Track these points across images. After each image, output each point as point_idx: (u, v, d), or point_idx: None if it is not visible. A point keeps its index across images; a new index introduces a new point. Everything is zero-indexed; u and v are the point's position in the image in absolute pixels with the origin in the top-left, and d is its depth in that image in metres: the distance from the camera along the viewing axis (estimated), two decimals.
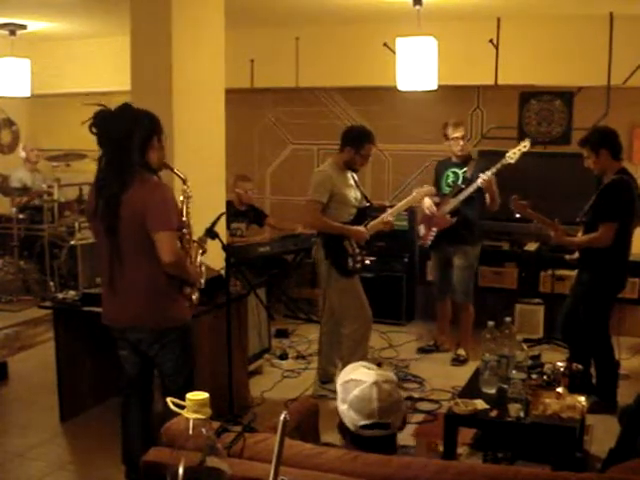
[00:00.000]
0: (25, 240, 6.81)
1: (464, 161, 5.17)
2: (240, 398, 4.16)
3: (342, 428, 1.99)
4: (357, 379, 1.96)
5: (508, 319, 3.61)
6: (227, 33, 4.72)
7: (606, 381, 4.26)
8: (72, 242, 6.45)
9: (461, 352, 5.29)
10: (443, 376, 4.93)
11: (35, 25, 6.24)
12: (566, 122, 6.00)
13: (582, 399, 3.27)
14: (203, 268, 3.26)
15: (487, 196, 4.98)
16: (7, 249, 6.82)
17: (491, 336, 3.46)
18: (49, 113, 7.94)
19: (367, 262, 4.66)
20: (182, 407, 1.45)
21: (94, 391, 4.34)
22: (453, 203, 5.10)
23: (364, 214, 4.61)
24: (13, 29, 6.16)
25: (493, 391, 3.37)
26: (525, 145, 4.84)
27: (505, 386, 3.30)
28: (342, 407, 1.97)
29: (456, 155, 5.19)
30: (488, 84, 5.94)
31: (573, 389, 3.37)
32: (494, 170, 4.88)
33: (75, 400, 4.24)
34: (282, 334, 5.86)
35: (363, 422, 1.92)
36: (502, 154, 4.93)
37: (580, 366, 3.66)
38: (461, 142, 5.12)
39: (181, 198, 3.13)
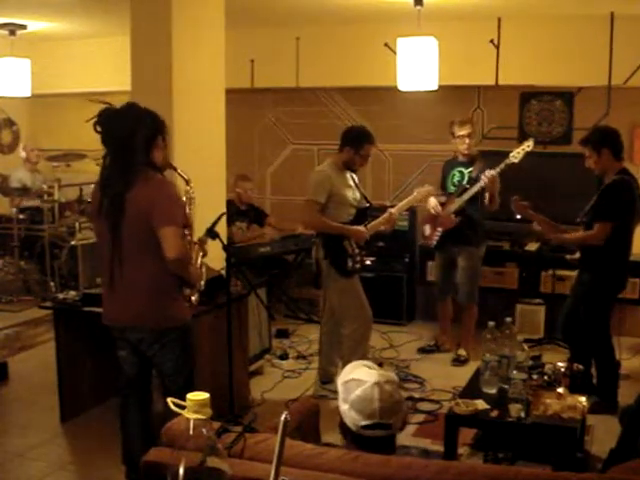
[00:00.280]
0: (25, 240, 6.80)
1: (470, 160, 5.15)
2: (241, 398, 4.16)
3: (343, 428, 1.99)
4: (359, 379, 1.96)
5: (509, 319, 3.61)
6: (227, 33, 4.71)
7: (607, 381, 4.26)
8: (72, 242, 6.46)
9: (462, 352, 5.29)
10: (444, 376, 4.93)
11: (35, 25, 6.24)
12: (567, 122, 6.00)
13: (583, 399, 3.27)
14: (203, 269, 3.25)
15: (487, 195, 4.97)
16: (7, 249, 6.82)
17: (492, 336, 3.46)
18: (49, 113, 7.95)
19: (367, 262, 4.66)
20: (182, 407, 1.45)
21: (94, 391, 4.34)
22: (458, 203, 5.09)
23: (364, 214, 4.61)
24: (13, 29, 6.16)
25: (494, 391, 3.37)
26: (529, 145, 4.82)
27: (506, 386, 3.30)
28: (343, 407, 1.97)
29: (462, 154, 5.18)
30: (489, 84, 5.93)
31: (574, 389, 3.37)
32: (498, 170, 4.86)
33: (75, 400, 4.24)
34: (282, 334, 5.86)
35: (364, 422, 1.92)
36: (502, 154, 4.92)
37: (581, 366, 3.66)
38: (467, 140, 5.09)
39: (184, 199, 3.14)
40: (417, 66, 4.98)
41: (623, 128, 4.65)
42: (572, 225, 4.39)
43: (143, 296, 3.03)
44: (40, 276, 6.73)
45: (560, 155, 5.89)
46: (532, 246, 5.79)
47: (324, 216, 4.45)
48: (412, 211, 6.03)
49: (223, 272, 3.94)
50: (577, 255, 4.42)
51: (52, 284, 6.51)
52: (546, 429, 3.10)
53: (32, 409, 4.36)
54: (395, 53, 5.17)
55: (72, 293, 4.20)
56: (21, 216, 6.75)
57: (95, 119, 2.97)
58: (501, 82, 5.86)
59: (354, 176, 4.62)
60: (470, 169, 5.11)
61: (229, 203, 5.30)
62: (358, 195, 4.61)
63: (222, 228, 4.01)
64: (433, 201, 5.16)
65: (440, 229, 5.20)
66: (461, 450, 3.56)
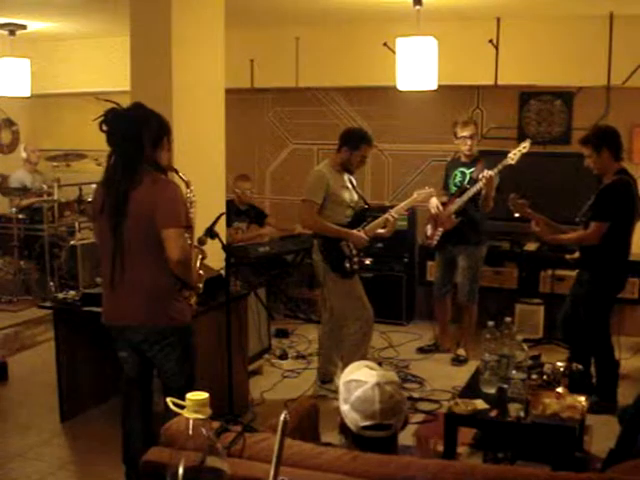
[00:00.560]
0: (25, 240, 6.81)
1: (472, 161, 5.15)
2: (240, 398, 4.17)
3: (344, 428, 1.99)
4: (359, 379, 1.96)
5: (508, 319, 3.62)
6: (227, 33, 4.72)
7: (606, 381, 4.26)
8: (72, 242, 6.45)
9: (461, 352, 5.29)
10: (443, 376, 4.93)
11: (35, 25, 6.24)
12: (566, 122, 6.00)
13: (582, 399, 3.27)
14: (201, 272, 3.25)
15: (483, 193, 4.97)
16: (7, 249, 6.82)
17: (491, 336, 3.46)
18: (49, 113, 7.95)
19: (366, 262, 4.66)
20: (182, 407, 1.45)
21: (94, 391, 4.35)
22: (458, 203, 5.10)
23: (362, 216, 4.61)
24: (13, 29, 6.16)
25: (493, 391, 3.37)
26: (525, 146, 4.84)
27: (505, 386, 3.30)
28: (344, 407, 1.97)
29: (464, 155, 5.19)
30: (488, 84, 5.94)
31: (573, 389, 3.37)
32: (496, 170, 4.87)
33: (75, 400, 4.24)
34: (282, 334, 5.86)
35: (365, 423, 1.92)
36: (502, 154, 4.92)
37: (580, 366, 3.66)
38: (469, 141, 5.10)
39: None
40: (416, 66, 4.98)
41: (622, 128, 4.65)
42: (572, 225, 4.40)
43: (144, 296, 3.03)
44: (40, 276, 6.73)
45: (559, 155, 5.90)
46: (531, 246, 5.79)
47: (321, 216, 4.46)
48: (412, 211, 6.03)
49: (222, 272, 3.94)
50: (576, 255, 4.42)
51: (52, 284, 6.51)
52: (545, 429, 3.10)
53: (32, 409, 4.36)
54: (394, 53, 5.17)
55: (72, 293, 4.19)
56: (21, 216, 6.75)
57: (101, 118, 2.98)
58: (500, 82, 5.86)
59: (352, 178, 4.62)
60: (472, 170, 5.12)
61: (229, 203, 5.30)
62: (355, 196, 4.60)
63: (222, 228, 4.01)
64: (434, 201, 5.17)
65: (440, 229, 5.21)
66: (460, 450, 3.56)
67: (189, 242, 3.12)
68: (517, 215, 4.52)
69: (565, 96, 5.99)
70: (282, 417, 1.35)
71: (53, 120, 7.92)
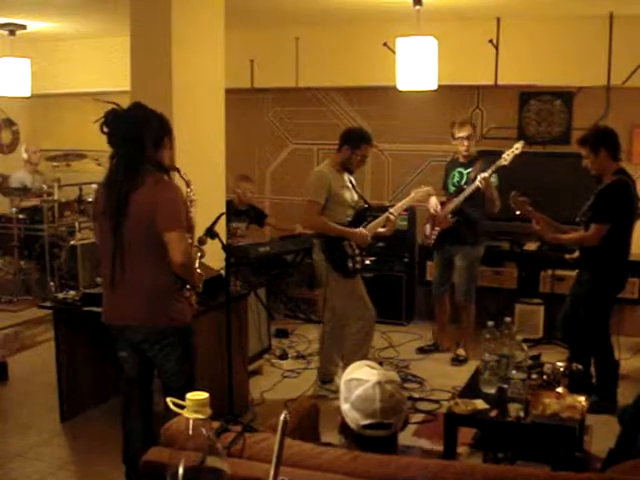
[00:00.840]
0: (25, 240, 6.80)
1: (470, 161, 5.16)
2: (240, 398, 4.17)
3: (344, 428, 1.99)
4: (360, 378, 1.96)
5: (508, 319, 3.62)
6: (227, 33, 4.72)
7: (606, 381, 4.26)
8: (72, 242, 6.45)
9: (461, 352, 5.29)
10: (443, 376, 4.94)
11: (35, 25, 6.24)
12: (566, 122, 6.00)
13: (582, 399, 3.27)
14: (200, 271, 3.25)
15: (486, 196, 4.99)
16: (7, 249, 6.82)
17: (491, 336, 3.46)
18: (49, 113, 7.95)
19: (367, 262, 4.67)
20: (182, 407, 1.45)
21: (94, 391, 4.35)
22: (455, 203, 5.10)
23: (363, 216, 4.62)
24: (13, 29, 6.16)
25: (493, 391, 3.38)
26: (517, 147, 4.86)
27: (505, 386, 3.30)
28: (344, 406, 1.97)
29: (462, 155, 5.19)
30: (488, 84, 5.94)
31: (573, 389, 3.37)
32: (490, 172, 4.89)
33: (75, 400, 4.24)
34: (282, 334, 5.86)
35: (365, 422, 1.92)
36: (501, 154, 4.93)
37: (580, 366, 3.66)
38: (466, 142, 5.11)
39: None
40: (416, 66, 4.98)
41: (622, 128, 4.66)
42: (572, 225, 4.40)
43: (144, 296, 3.03)
44: (40, 276, 6.73)
45: (559, 155, 5.90)
46: (531, 246, 5.79)
47: (323, 216, 4.46)
48: (412, 211, 6.04)
49: (222, 272, 3.94)
50: (576, 254, 4.42)
51: (52, 284, 6.51)
52: (545, 429, 3.10)
53: (32, 409, 4.36)
54: (394, 53, 5.17)
55: (72, 293, 4.19)
56: (21, 216, 6.74)
57: (102, 119, 2.97)
58: (500, 82, 5.86)
59: (351, 178, 4.63)
60: (469, 170, 5.12)
61: (228, 203, 5.30)
62: (356, 196, 4.61)
63: (222, 228, 4.01)
64: (434, 201, 5.18)
65: (437, 229, 5.22)
66: (460, 450, 3.57)
67: (189, 241, 3.12)
68: (518, 213, 4.52)
69: (565, 96, 5.99)
70: (282, 417, 1.35)
71: (53, 120, 7.92)
